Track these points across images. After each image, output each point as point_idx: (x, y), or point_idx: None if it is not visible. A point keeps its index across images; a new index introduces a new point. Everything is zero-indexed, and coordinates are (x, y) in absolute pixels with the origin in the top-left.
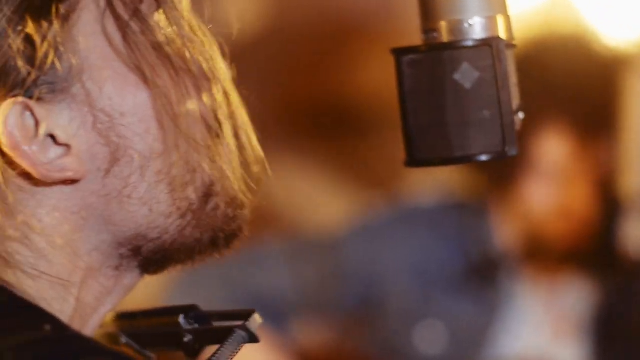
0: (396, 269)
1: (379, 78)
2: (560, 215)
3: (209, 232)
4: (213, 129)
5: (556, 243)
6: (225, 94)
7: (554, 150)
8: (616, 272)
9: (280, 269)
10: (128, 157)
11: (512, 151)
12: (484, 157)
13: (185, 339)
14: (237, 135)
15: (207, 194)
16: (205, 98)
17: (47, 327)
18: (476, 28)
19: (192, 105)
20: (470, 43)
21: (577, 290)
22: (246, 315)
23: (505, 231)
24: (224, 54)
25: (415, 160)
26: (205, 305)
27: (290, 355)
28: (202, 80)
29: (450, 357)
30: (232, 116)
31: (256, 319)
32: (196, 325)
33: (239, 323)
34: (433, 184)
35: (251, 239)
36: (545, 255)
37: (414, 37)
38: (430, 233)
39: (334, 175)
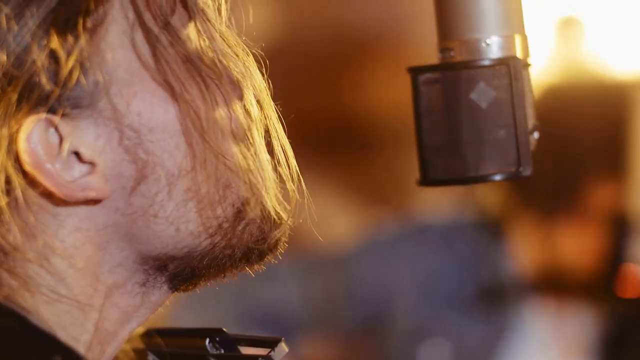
0: (404, 287)
1: (391, 95)
2: (580, 247)
3: (241, 249)
4: (244, 144)
5: (570, 269)
6: (261, 107)
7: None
8: (623, 298)
9: (288, 285)
10: (156, 174)
11: (526, 171)
12: (498, 177)
13: None
14: (271, 150)
15: (240, 212)
16: (237, 112)
17: (57, 358)
18: (493, 47)
19: (222, 120)
20: (486, 62)
21: (584, 314)
22: (272, 343)
23: (520, 254)
24: (260, 66)
25: (429, 179)
26: (214, 319)
27: None
28: (234, 93)
29: None
30: (266, 130)
31: (283, 348)
32: (222, 350)
33: (265, 351)
34: (446, 201)
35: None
36: (557, 281)
37: (426, 55)
38: (441, 251)
39: (344, 191)
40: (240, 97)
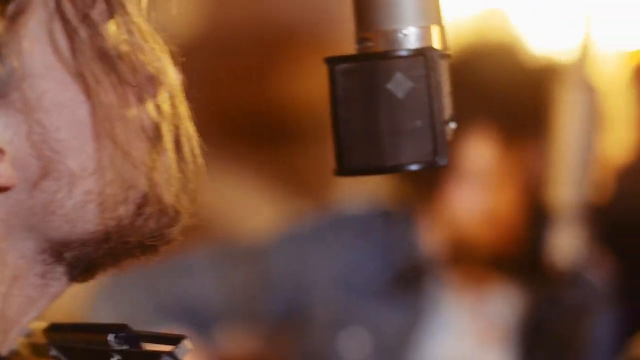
0: (322, 277)
1: (313, 87)
2: (486, 222)
3: (136, 240)
4: (154, 142)
5: (482, 249)
6: (173, 105)
7: (480, 156)
8: (542, 281)
9: (206, 276)
10: (57, 172)
11: (442, 161)
12: (414, 167)
13: (113, 359)
14: (178, 147)
15: (140, 208)
16: (149, 110)
17: None
18: (410, 38)
19: (133, 119)
20: (403, 53)
21: (502, 297)
22: (176, 340)
23: (431, 238)
24: (175, 62)
25: (345, 169)
26: (130, 312)
27: None
28: (148, 91)
29: None
30: (176, 127)
31: (186, 346)
32: (125, 346)
33: (168, 348)
34: (361, 192)
35: (177, 244)
36: (470, 262)
37: (350, 46)
38: (357, 241)
39: (264, 182)
40: (155, 95)
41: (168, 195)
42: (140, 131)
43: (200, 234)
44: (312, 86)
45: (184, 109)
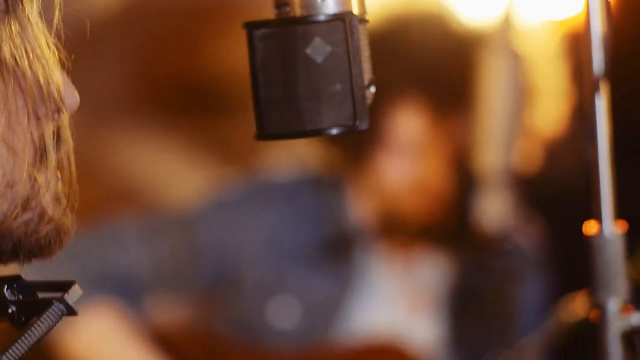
0: (251, 245)
1: (238, 54)
2: (414, 190)
3: (11, 242)
4: (40, 157)
5: (411, 218)
6: (58, 112)
7: (409, 125)
8: (471, 247)
9: (134, 245)
10: None
11: (362, 125)
12: (334, 131)
13: (10, 310)
14: (60, 157)
15: (20, 208)
16: (39, 119)
17: None
18: (328, 3)
19: (24, 126)
20: (322, 18)
21: (432, 265)
22: (67, 286)
23: (360, 207)
24: (62, 66)
25: (265, 133)
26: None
27: (143, 332)
28: (39, 101)
29: (303, 332)
30: (59, 136)
31: (76, 291)
32: (20, 297)
33: (59, 295)
34: (289, 159)
35: (106, 214)
36: (399, 230)
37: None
38: (285, 209)
39: (192, 151)
40: (44, 105)
41: (50, 207)
42: (30, 141)
43: (128, 203)
44: (241, 53)
45: (66, 119)
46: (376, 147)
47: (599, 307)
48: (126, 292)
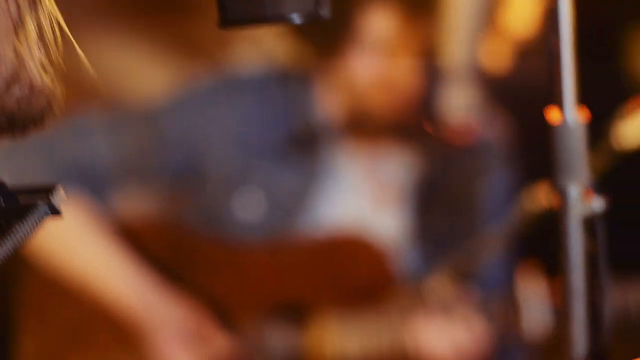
0: (217, 138)
1: None
2: (383, 87)
3: (5, 116)
4: (15, 19)
5: (378, 114)
6: None
7: (380, 23)
8: (436, 142)
9: (101, 140)
10: None
11: (324, 12)
12: (296, 17)
13: None
14: (40, 24)
15: (9, 82)
16: None
17: None
18: None
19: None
20: None
21: (398, 159)
22: (51, 190)
23: (328, 102)
24: None
25: (227, 20)
26: (26, 174)
27: (111, 225)
28: None
29: (269, 224)
30: (37, 3)
31: (61, 194)
32: (2, 203)
33: (44, 198)
34: (257, 54)
35: (72, 109)
36: (367, 125)
37: None
38: (253, 102)
39: (157, 45)
40: None
41: (38, 78)
42: (6, 10)
43: (95, 98)
44: None
45: None
46: (347, 43)
47: (560, 193)
48: (92, 185)
